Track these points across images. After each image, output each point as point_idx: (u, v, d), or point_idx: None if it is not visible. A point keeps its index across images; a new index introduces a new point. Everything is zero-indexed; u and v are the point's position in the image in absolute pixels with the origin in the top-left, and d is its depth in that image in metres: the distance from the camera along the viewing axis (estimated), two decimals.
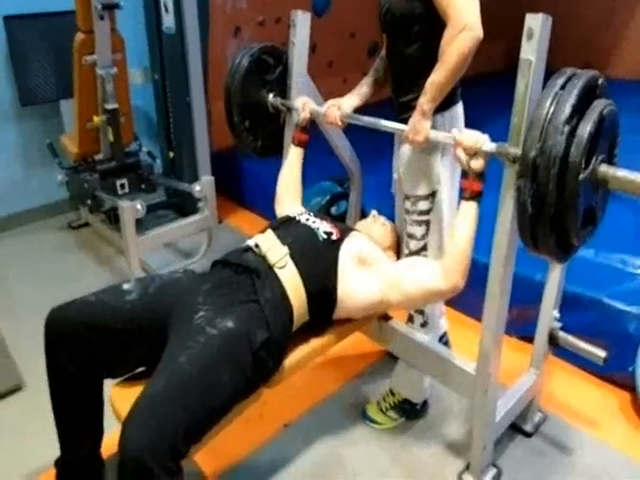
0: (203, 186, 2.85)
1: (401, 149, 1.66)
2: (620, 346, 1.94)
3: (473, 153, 1.32)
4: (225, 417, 1.27)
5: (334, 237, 1.55)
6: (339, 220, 2.42)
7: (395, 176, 1.79)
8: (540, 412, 1.90)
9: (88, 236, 3.33)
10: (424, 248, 1.66)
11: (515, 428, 1.84)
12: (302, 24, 1.91)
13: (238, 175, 3.68)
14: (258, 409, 1.84)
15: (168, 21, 2.97)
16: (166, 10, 2.95)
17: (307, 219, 1.62)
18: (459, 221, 1.39)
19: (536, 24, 1.17)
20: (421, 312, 1.72)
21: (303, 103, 1.84)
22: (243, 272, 1.43)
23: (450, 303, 2.32)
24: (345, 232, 1.61)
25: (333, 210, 2.70)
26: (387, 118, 1.65)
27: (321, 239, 1.53)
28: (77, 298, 1.39)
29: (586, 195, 1.15)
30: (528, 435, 1.84)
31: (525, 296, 1.93)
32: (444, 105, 1.50)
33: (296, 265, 1.45)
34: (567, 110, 1.10)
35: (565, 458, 1.77)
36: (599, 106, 1.13)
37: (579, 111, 1.12)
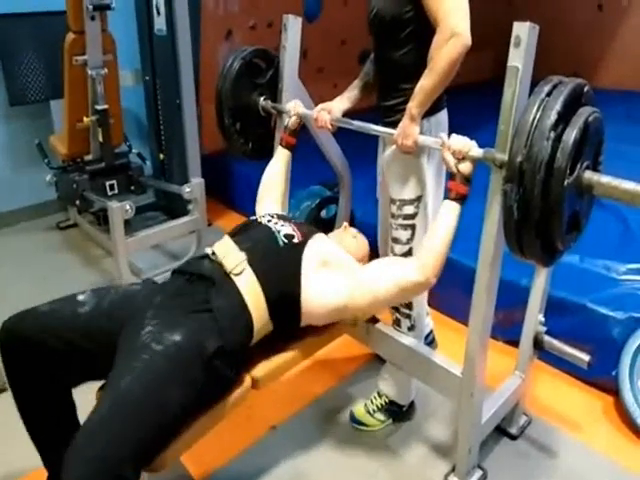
0: (193, 188, 2.85)
1: (386, 152, 1.67)
2: (603, 351, 1.96)
3: (461, 157, 1.34)
4: (178, 434, 1.22)
5: (295, 240, 1.50)
6: (328, 224, 2.45)
7: (380, 179, 1.80)
8: (525, 415, 1.92)
9: (76, 237, 3.32)
10: (409, 252, 1.66)
11: (500, 431, 1.86)
12: (293, 28, 1.93)
13: (228, 178, 3.69)
14: (245, 411, 1.85)
15: (159, 23, 2.98)
16: (158, 12, 2.96)
17: (269, 220, 1.57)
18: (440, 219, 1.39)
19: (523, 32, 1.19)
20: (408, 316, 1.74)
21: (294, 106, 1.85)
22: (197, 280, 1.39)
23: (437, 307, 2.35)
24: (309, 235, 1.55)
25: (323, 214, 2.71)
26: (376, 123, 1.67)
27: (281, 243, 1.48)
28: (30, 308, 1.35)
29: (571, 201, 1.17)
30: (513, 438, 1.86)
31: (511, 300, 1.95)
32: (430, 111, 1.52)
33: (254, 271, 1.40)
34: (553, 116, 1.12)
35: (549, 461, 1.79)
36: (584, 113, 1.16)
37: (565, 118, 1.14)
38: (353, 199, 2.33)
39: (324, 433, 1.88)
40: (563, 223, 1.18)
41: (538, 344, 1.78)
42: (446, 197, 1.41)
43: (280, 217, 1.61)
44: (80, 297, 1.36)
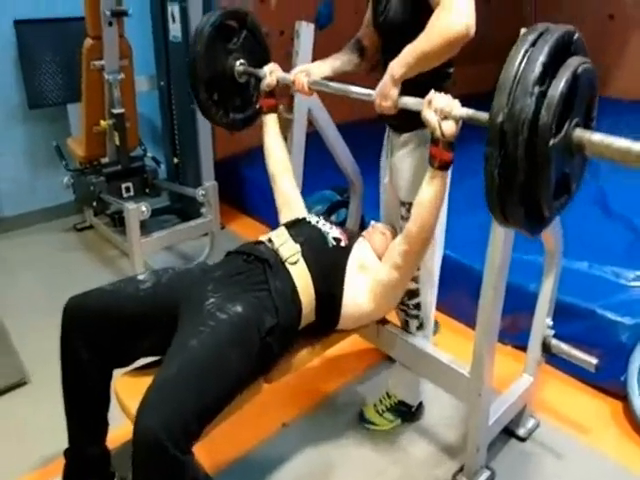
0: (206, 190, 2.90)
1: (396, 155, 1.66)
2: (612, 356, 1.97)
3: (443, 117, 1.26)
4: (232, 401, 1.30)
5: (342, 244, 1.59)
6: None
7: (385, 180, 1.80)
8: (533, 418, 1.93)
9: (92, 238, 3.37)
10: None
11: (509, 433, 1.87)
12: (306, 35, 1.95)
13: (240, 183, 3.73)
14: (257, 408, 1.87)
15: (175, 30, 3.03)
16: (173, 19, 3.01)
17: (317, 222, 1.65)
18: (425, 188, 1.36)
19: None
20: (416, 316, 1.75)
21: (270, 70, 1.79)
22: (255, 261, 1.47)
23: (445, 310, 2.36)
24: (353, 239, 1.65)
25: (333, 218, 2.74)
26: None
27: (331, 245, 1.57)
28: (93, 288, 1.44)
29: (559, 162, 1.03)
30: (522, 440, 1.87)
31: (519, 305, 1.97)
32: (421, 123, 1.35)
33: (307, 264, 1.49)
34: (537, 69, 0.97)
35: (557, 464, 1.80)
36: (573, 64, 1.01)
37: (551, 70, 0.99)
38: (363, 204, 2.35)
39: (334, 431, 1.90)
40: (550, 187, 1.04)
41: (546, 347, 1.79)
42: (430, 164, 1.34)
43: (326, 219, 1.70)
44: (140, 277, 1.47)
